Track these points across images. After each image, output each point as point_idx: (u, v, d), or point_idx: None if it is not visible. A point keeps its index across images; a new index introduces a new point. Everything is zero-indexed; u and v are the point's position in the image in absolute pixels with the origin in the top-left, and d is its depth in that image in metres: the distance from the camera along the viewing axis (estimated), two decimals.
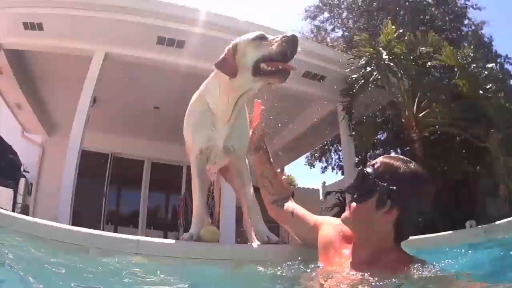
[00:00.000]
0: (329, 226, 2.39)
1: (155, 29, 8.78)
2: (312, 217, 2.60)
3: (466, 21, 18.24)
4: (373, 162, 2.05)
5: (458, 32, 17.67)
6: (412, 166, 1.97)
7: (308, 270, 2.25)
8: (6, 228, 2.60)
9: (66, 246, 2.53)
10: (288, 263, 2.35)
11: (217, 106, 2.88)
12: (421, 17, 17.35)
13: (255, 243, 3.02)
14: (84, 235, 2.70)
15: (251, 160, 3.08)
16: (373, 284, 1.74)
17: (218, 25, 8.83)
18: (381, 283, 1.73)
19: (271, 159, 3.00)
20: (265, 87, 2.87)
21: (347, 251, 2.13)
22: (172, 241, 2.84)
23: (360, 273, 1.86)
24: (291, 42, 2.58)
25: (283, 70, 2.62)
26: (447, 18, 17.86)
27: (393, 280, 1.75)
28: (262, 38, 2.68)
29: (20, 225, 2.71)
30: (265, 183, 2.88)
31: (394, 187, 1.91)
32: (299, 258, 2.44)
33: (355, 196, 2.04)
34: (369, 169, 2.02)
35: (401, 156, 2.08)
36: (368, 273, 1.82)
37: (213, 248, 2.82)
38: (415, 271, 1.80)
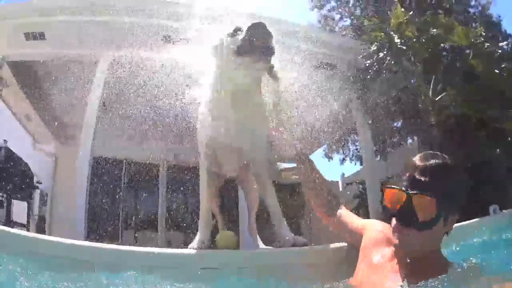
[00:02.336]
0: (374, 229, 2.26)
1: (162, 29, 8.67)
2: (358, 221, 2.45)
3: (472, 2, 18.00)
4: (421, 178, 1.84)
5: (466, 14, 17.44)
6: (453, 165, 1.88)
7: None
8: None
9: (70, 262, 2.37)
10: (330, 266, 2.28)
11: (220, 101, 2.73)
12: (428, 0, 17.12)
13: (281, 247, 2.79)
14: (88, 249, 2.53)
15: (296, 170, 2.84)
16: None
17: (223, 20, 8.69)
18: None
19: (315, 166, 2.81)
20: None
21: (388, 251, 2.02)
22: (183, 250, 2.66)
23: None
24: (254, 28, 2.52)
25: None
26: (453, 0, 17.62)
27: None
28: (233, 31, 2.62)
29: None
30: (315, 190, 2.68)
31: (455, 196, 1.84)
32: (330, 260, 2.39)
33: (418, 225, 1.82)
34: (427, 191, 1.80)
35: (438, 161, 1.88)
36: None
37: (231, 255, 2.63)
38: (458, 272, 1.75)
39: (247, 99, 2.74)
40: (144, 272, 2.28)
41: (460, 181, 1.89)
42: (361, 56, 9.28)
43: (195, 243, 2.68)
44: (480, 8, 17.92)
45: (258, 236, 3.66)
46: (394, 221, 1.89)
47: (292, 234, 2.77)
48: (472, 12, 17.90)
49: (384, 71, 8.95)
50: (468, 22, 15.38)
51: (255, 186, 3.39)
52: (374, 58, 9.02)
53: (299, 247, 2.68)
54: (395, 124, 9.98)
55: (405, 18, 8.72)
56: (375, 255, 2.06)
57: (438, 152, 1.95)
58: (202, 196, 2.97)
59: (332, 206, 2.59)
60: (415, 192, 1.79)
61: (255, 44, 2.50)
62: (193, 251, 2.58)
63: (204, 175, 2.98)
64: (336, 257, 2.50)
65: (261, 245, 3.57)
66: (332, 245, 2.61)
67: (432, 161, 1.84)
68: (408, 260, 1.86)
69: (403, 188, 1.83)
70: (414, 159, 1.90)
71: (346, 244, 2.52)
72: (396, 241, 1.88)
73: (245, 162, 3.06)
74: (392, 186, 1.87)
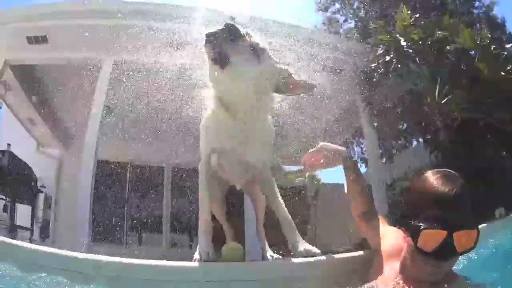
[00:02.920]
0: (387, 243, 2.24)
1: (163, 32, 8.63)
2: (382, 228, 2.42)
3: (476, 3, 17.91)
4: (458, 211, 1.80)
5: (470, 15, 17.36)
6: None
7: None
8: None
9: (70, 275, 2.30)
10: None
11: (220, 111, 2.65)
12: (433, 1, 17.05)
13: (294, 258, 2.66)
14: (89, 262, 2.47)
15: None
16: None
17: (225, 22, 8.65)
18: None
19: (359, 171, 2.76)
20: None
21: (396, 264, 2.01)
22: (187, 263, 2.57)
23: None
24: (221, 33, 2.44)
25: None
26: (457, 2, 17.54)
27: None
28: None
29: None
30: (355, 196, 2.63)
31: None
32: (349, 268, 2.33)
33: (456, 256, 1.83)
34: (469, 225, 1.78)
35: (462, 187, 1.83)
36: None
37: (241, 267, 2.55)
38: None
39: (248, 108, 2.62)
40: (145, 286, 2.23)
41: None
42: (366, 59, 9.21)
43: (198, 254, 2.56)
44: (484, 9, 17.83)
45: (266, 243, 3.61)
46: (417, 256, 1.82)
47: (305, 244, 2.67)
48: (476, 13, 17.82)
49: (390, 74, 8.88)
50: (472, 23, 15.32)
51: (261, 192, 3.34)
52: (380, 61, 8.95)
53: (311, 258, 2.55)
54: (400, 126, 9.90)
55: (411, 20, 8.66)
56: (387, 266, 2.07)
57: (450, 173, 1.89)
58: (201, 202, 2.85)
59: (371, 212, 2.55)
60: (458, 228, 1.74)
61: (224, 52, 2.41)
62: (197, 264, 2.46)
63: (203, 178, 2.87)
64: (348, 267, 2.45)
65: (270, 252, 3.51)
66: (344, 255, 2.56)
67: (458, 189, 1.78)
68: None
69: (441, 227, 1.75)
70: (433, 187, 1.82)
71: (357, 253, 2.49)
72: (416, 273, 1.85)
73: (249, 171, 2.94)
74: (429, 227, 1.76)
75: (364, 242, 2.61)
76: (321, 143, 2.74)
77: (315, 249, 2.60)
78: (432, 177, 1.87)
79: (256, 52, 2.49)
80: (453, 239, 1.71)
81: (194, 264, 2.46)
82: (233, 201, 3.72)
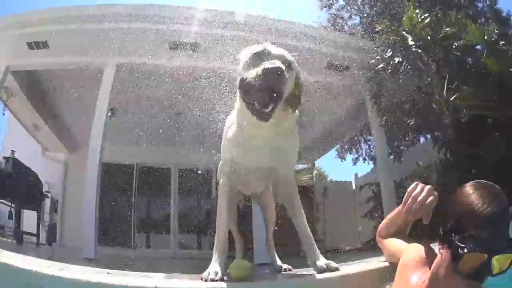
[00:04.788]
0: (413, 251, 2.14)
1: (166, 34, 8.56)
2: (401, 245, 2.31)
3: None
4: (497, 235, 1.70)
5: (474, 8, 17.23)
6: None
7: None
8: None
9: None
10: None
11: (249, 123, 2.47)
12: None
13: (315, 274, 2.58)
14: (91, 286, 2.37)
15: None
16: None
17: (232, 23, 8.61)
18: None
19: None
20: None
21: (426, 275, 1.92)
22: (195, 283, 2.47)
23: None
24: (268, 76, 2.07)
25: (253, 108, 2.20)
26: None
27: None
28: (259, 56, 2.22)
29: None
30: (387, 229, 2.49)
31: None
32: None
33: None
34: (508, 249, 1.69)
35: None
36: None
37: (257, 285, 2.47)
38: None
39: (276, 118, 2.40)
40: None
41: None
42: (373, 60, 9.12)
43: (208, 274, 2.46)
44: (488, 2, 17.69)
45: (276, 254, 3.55)
46: (453, 273, 1.74)
47: (324, 259, 2.60)
48: (481, 7, 17.69)
49: (401, 75, 8.78)
50: (476, 17, 15.21)
51: (272, 200, 3.28)
52: (390, 63, 8.85)
53: (329, 274, 2.49)
54: (408, 122, 9.81)
55: (418, 19, 8.56)
56: (413, 276, 1.99)
57: (493, 189, 1.78)
58: (220, 220, 2.76)
59: (388, 229, 2.47)
60: (498, 253, 1.65)
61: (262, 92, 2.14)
62: (205, 284, 2.36)
63: (223, 200, 2.78)
64: (367, 282, 2.38)
65: (279, 262, 3.46)
66: (362, 269, 2.50)
67: (502, 210, 1.70)
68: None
69: (485, 250, 1.66)
70: (478, 206, 1.71)
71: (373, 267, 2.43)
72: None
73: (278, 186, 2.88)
74: (473, 250, 1.66)
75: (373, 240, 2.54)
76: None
77: (334, 264, 2.55)
78: (476, 194, 1.76)
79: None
80: (492, 262, 1.65)
81: (204, 285, 2.36)
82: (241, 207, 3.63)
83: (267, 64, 2.08)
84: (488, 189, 1.77)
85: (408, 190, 2.06)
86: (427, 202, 1.97)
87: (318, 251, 2.64)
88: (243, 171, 2.70)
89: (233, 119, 2.64)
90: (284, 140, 2.57)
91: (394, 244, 2.36)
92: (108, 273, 2.89)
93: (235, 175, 2.73)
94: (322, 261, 2.55)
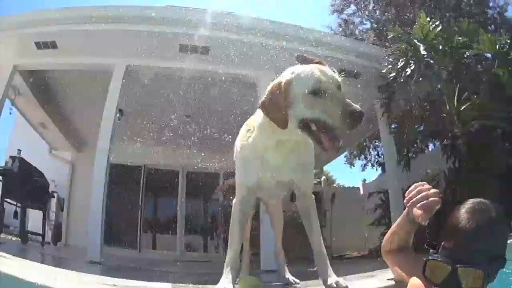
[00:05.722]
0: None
1: (176, 37, 8.53)
2: (405, 272, 2.22)
3: (491, 3, 17.75)
4: (468, 247, 1.66)
5: (484, 16, 17.20)
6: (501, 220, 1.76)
7: None
8: None
9: None
10: None
11: (266, 141, 2.50)
12: (447, 2, 16.87)
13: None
14: None
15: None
16: None
17: (242, 27, 8.57)
18: None
19: None
20: None
21: None
22: None
23: None
24: (355, 121, 2.06)
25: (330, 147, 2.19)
26: (471, 2, 17.37)
27: None
28: (317, 93, 2.16)
29: None
30: (394, 239, 2.35)
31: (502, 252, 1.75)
32: None
33: None
34: (475, 264, 1.65)
35: (487, 225, 1.69)
36: None
37: None
38: None
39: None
40: None
41: (506, 235, 1.72)
42: (385, 70, 9.06)
43: None
44: (498, 9, 17.67)
45: (285, 264, 3.53)
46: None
47: (335, 276, 2.60)
48: (491, 14, 17.66)
49: (412, 85, 8.70)
50: (486, 24, 15.18)
51: (281, 209, 3.27)
52: (400, 70, 8.78)
53: None
54: (417, 129, 9.76)
55: (430, 27, 8.49)
56: None
57: (482, 205, 1.74)
58: (232, 238, 2.76)
59: (391, 242, 2.37)
60: (461, 265, 1.62)
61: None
62: None
63: (237, 215, 2.78)
64: None
65: (287, 274, 3.43)
66: None
67: (479, 224, 1.65)
68: None
69: (447, 260, 1.65)
70: (459, 218, 1.69)
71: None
72: None
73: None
74: (435, 259, 1.68)
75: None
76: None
77: (343, 282, 2.56)
78: (458, 208, 1.76)
79: None
80: (457, 275, 1.61)
81: None
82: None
83: (351, 107, 2.06)
84: (476, 204, 1.75)
85: (415, 184, 2.02)
86: (429, 199, 1.92)
87: (330, 268, 2.66)
88: (264, 185, 2.69)
89: (248, 137, 2.64)
90: (303, 155, 2.56)
91: (398, 269, 2.29)
92: (114, 285, 2.87)
93: (255, 188, 2.72)
94: (333, 279, 2.55)
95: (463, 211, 1.72)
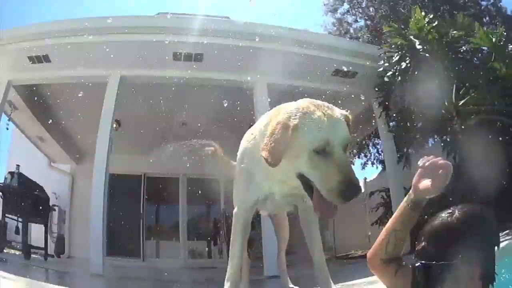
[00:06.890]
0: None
1: (169, 45, 8.49)
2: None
3: None
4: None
5: (477, 7, 17.21)
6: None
7: None
8: None
9: None
10: None
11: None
12: None
13: None
14: None
15: None
16: None
17: (235, 32, 8.54)
18: None
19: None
20: None
21: None
22: None
23: None
24: (349, 195, 2.00)
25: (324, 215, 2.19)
26: None
27: None
28: (320, 153, 2.03)
29: None
30: (393, 240, 2.08)
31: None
32: None
33: None
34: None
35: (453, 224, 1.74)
36: None
37: None
38: None
39: None
40: None
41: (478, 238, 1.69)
42: (382, 69, 9.03)
43: None
44: (492, 0, 17.68)
45: (287, 273, 3.51)
46: None
47: None
48: (485, 5, 17.67)
49: (408, 81, 8.67)
50: (480, 16, 15.19)
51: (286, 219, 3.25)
52: (396, 67, 8.76)
53: None
54: (416, 125, 9.72)
55: (425, 22, 8.47)
56: None
57: (463, 209, 1.76)
58: (233, 251, 2.74)
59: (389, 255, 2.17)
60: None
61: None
62: None
63: (238, 229, 2.74)
64: None
65: (290, 284, 3.41)
66: None
67: (444, 225, 1.71)
68: None
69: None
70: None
71: None
72: None
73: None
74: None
75: None
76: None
77: None
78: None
79: None
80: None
81: None
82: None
83: (350, 179, 1.99)
84: (459, 208, 1.76)
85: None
86: (441, 170, 1.82)
87: (332, 283, 2.63)
88: (270, 198, 2.64)
89: (251, 151, 2.56)
90: (308, 169, 2.49)
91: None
92: None
93: (259, 203, 2.70)
94: None
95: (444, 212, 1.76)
